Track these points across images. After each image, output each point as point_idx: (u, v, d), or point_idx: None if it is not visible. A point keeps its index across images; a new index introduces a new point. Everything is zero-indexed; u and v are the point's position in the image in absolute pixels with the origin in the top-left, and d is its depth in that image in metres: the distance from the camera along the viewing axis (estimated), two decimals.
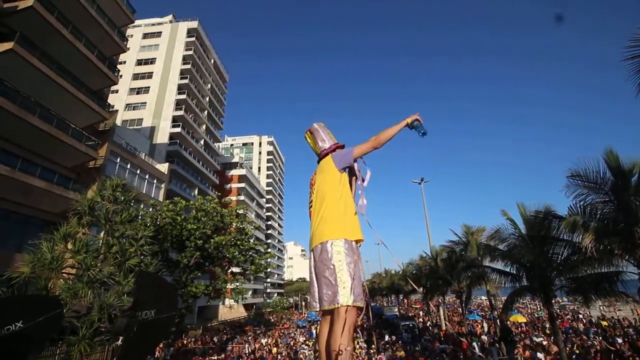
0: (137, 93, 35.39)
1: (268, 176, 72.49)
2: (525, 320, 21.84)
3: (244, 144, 74.64)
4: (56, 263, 6.14)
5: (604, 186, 7.41)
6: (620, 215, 7.29)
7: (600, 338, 14.36)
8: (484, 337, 16.70)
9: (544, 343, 13.41)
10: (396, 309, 37.27)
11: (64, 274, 6.59)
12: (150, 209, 14.53)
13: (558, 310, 29.85)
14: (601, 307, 30.79)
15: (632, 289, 8.44)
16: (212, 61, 43.77)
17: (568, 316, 25.75)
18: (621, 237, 7.20)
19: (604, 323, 19.55)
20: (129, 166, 21.36)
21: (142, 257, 7.43)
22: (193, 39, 38.52)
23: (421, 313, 35.51)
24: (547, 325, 18.52)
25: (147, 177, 23.56)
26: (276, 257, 66.34)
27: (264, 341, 21.42)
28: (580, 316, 24.28)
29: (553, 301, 10.42)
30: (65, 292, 6.05)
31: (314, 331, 25.20)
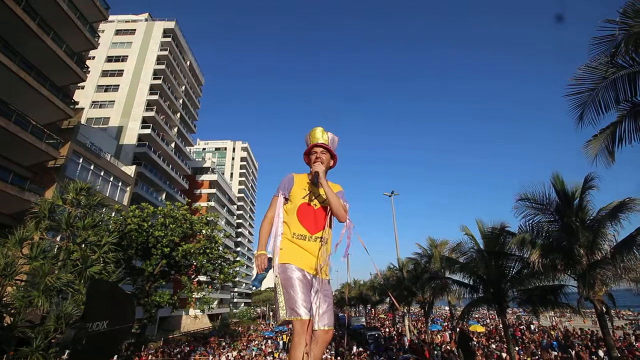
0: (105, 90, 33.86)
1: (240, 182, 71.35)
2: (483, 330, 22.92)
3: (217, 149, 73.16)
4: (9, 269, 5.83)
5: (549, 207, 8.21)
6: (563, 233, 8.10)
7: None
8: (447, 347, 17.35)
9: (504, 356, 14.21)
10: (363, 319, 37.65)
11: (17, 281, 6.24)
12: (114, 214, 13.92)
13: (514, 320, 31.67)
14: (553, 317, 33.02)
15: (573, 301, 9.29)
16: (188, 63, 42.96)
17: (522, 326, 27.31)
18: (563, 253, 7.98)
19: (552, 332, 21.00)
20: (92, 167, 20.32)
21: (104, 264, 7.18)
22: (169, 39, 37.68)
23: (387, 323, 36.13)
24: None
25: (111, 179, 22.50)
26: (245, 266, 64.92)
27: (229, 354, 20.85)
28: (533, 326, 25.82)
29: (510, 311, 11.23)
30: (18, 300, 5.74)
31: (280, 342, 24.91)
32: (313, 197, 2.23)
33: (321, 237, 2.16)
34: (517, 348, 14.45)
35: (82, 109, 20.80)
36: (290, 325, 2.07)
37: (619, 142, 5.45)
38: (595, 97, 5.84)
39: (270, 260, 2.04)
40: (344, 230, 2.22)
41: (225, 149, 73.28)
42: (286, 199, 2.23)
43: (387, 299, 27.16)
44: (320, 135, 2.36)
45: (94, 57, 31.15)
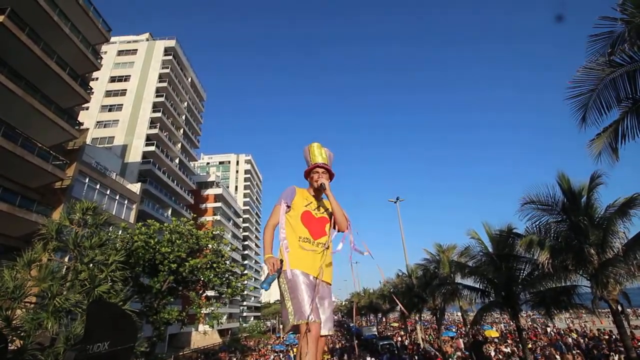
0: (109, 110, 34.48)
1: (245, 195, 71.49)
2: (497, 335, 22.42)
3: (221, 163, 73.63)
4: (19, 292, 5.85)
5: (556, 207, 8.10)
6: (571, 233, 7.97)
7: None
8: (459, 353, 16.98)
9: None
10: (375, 329, 37.03)
11: (26, 303, 6.25)
12: (120, 232, 13.97)
13: (530, 323, 30.96)
14: (572, 319, 32.27)
15: (588, 301, 9.08)
16: (189, 79, 43.66)
17: (538, 329, 26.69)
18: (574, 253, 7.84)
19: (574, 334, 20.44)
20: (98, 186, 20.54)
21: (112, 283, 7.17)
22: (170, 57, 38.41)
23: (399, 332, 35.50)
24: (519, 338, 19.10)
25: (117, 197, 22.70)
26: (253, 279, 64.55)
27: None
28: (549, 329, 25.21)
29: (525, 314, 10.99)
30: (28, 322, 5.74)
31: (291, 355, 24.54)
32: (314, 207, 2.37)
33: (323, 244, 2.25)
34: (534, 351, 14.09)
35: (87, 129, 21.16)
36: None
37: (622, 138, 5.40)
38: (596, 97, 5.80)
39: (282, 262, 2.04)
40: (348, 236, 2.30)
41: (229, 162, 73.72)
42: (288, 207, 2.30)
43: (398, 307, 26.74)
44: (319, 153, 2.48)
45: (97, 78, 31.84)
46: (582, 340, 17.65)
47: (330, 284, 2.26)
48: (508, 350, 15.25)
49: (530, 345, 15.98)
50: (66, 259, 7.97)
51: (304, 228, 2.25)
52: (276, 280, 2.09)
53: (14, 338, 5.61)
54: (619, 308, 8.14)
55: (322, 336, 2.02)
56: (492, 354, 15.01)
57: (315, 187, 2.40)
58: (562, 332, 22.85)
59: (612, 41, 5.06)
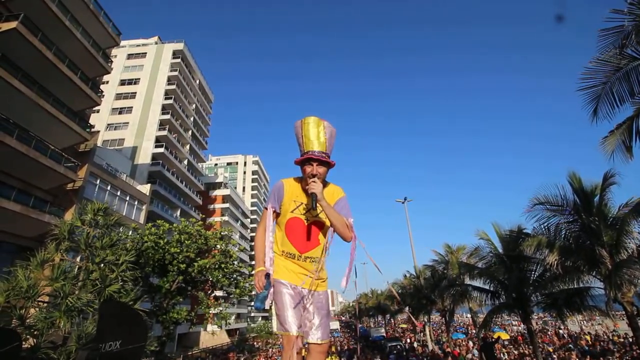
0: (120, 113, 35.04)
1: (253, 196, 71.83)
2: (508, 337, 22.06)
3: (229, 164, 74.14)
4: (32, 291, 5.97)
5: (567, 207, 7.93)
6: (583, 234, 7.79)
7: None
8: (469, 356, 16.76)
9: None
10: (383, 330, 36.80)
11: (39, 303, 6.37)
12: (131, 232, 14.17)
13: (543, 326, 30.39)
14: (581, 322, 31.56)
15: (601, 303, 8.86)
16: (198, 82, 44.10)
17: (549, 332, 26.18)
18: (586, 254, 7.66)
19: (587, 337, 20.00)
20: (109, 188, 20.88)
21: (123, 283, 7.28)
22: (178, 60, 38.87)
23: (410, 333, 35.20)
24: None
25: (127, 198, 23.04)
26: None
27: None
28: (561, 331, 24.73)
29: (537, 317, 10.79)
30: (40, 321, 5.85)
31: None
32: (304, 210, 1.99)
33: (312, 258, 2.00)
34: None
35: (98, 131, 21.52)
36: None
37: (637, 135, 5.25)
38: (608, 90, 5.67)
39: (268, 276, 1.93)
40: (352, 250, 1.93)
41: (237, 163, 74.17)
42: (278, 214, 2.06)
43: (407, 308, 26.58)
44: (316, 137, 1.88)
45: (107, 82, 32.37)
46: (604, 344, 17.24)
47: (325, 290, 2.06)
48: (517, 353, 15.00)
49: (550, 349, 15.69)
50: (78, 259, 8.13)
51: (288, 243, 2.00)
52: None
53: (28, 336, 5.73)
54: (634, 310, 7.93)
55: (313, 344, 1.93)
56: (504, 357, 14.80)
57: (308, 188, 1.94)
58: (575, 334, 22.39)
59: (624, 35, 4.94)
